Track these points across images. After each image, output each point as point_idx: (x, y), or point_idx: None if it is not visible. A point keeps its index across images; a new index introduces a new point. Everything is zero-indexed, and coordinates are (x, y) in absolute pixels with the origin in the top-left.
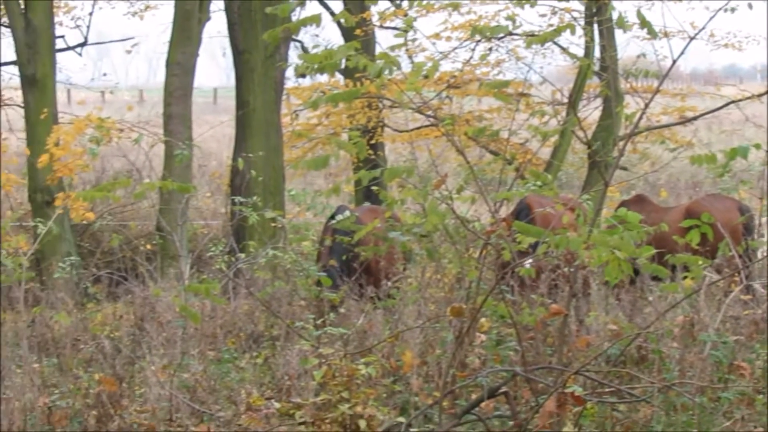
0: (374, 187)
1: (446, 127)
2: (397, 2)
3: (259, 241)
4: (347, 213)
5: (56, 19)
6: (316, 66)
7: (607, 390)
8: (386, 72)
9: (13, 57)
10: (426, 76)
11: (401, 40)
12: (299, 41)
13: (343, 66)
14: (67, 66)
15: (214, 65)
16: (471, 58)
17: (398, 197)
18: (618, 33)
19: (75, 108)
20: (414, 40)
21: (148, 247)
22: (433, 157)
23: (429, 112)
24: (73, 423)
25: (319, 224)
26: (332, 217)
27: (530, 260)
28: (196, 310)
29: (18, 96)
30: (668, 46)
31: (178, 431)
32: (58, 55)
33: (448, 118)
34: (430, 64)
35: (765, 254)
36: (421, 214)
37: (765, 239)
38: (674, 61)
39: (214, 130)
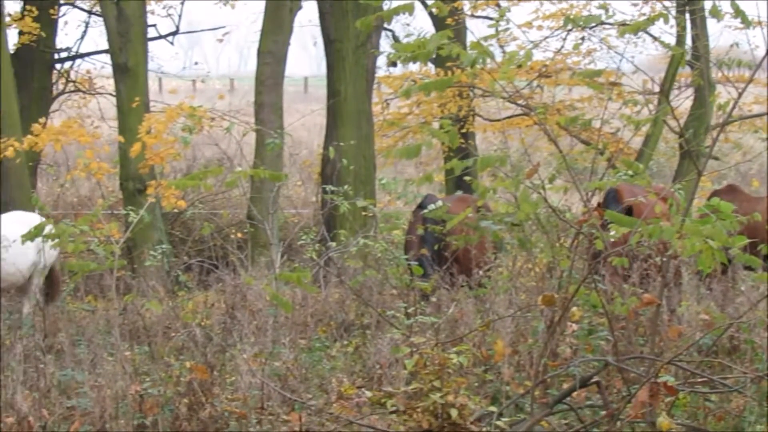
0: (467, 177)
1: (539, 116)
2: None
3: (350, 229)
4: (439, 202)
5: (148, 8)
6: (408, 55)
7: (699, 380)
8: (480, 61)
9: (105, 46)
10: (519, 66)
11: (494, 31)
12: (390, 30)
13: (434, 55)
14: (159, 55)
15: (305, 54)
16: (562, 47)
17: (491, 186)
18: (711, 22)
19: (166, 97)
20: (507, 30)
21: (239, 235)
22: (525, 147)
23: (521, 102)
24: (165, 411)
25: (410, 213)
26: (421, 206)
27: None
28: (287, 298)
29: (110, 85)
30: (762, 36)
31: (269, 419)
32: (150, 44)
33: (540, 107)
34: (523, 53)
35: None
36: (513, 204)
37: None
38: None
39: (304, 118)
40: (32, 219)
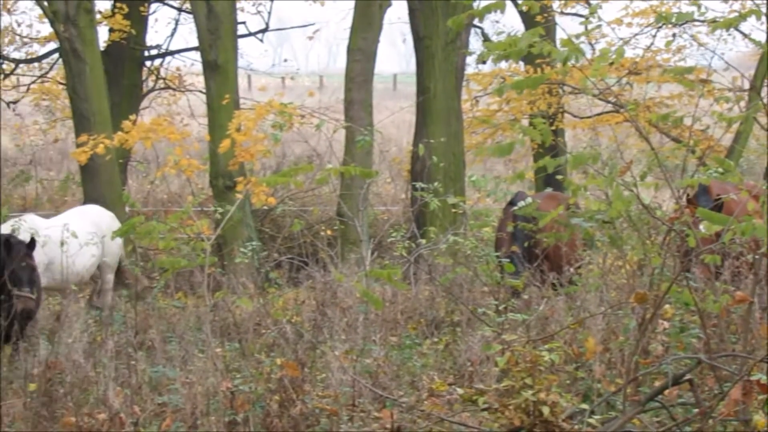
0: (558, 175)
1: (630, 113)
2: None
3: (439, 227)
4: (529, 199)
5: (238, 5)
6: (500, 53)
7: None
8: (572, 59)
9: (195, 43)
10: (611, 63)
11: (586, 28)
12: (479, 27)
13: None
14: (248, 52)
15: (394, 51)
16: (652, 44)
17: (582, 184)
18: None
19: (255, 94)
20: (599, 26)
21: (329, 232)
22: (617, 144)
23: (611, 98)
24: (256, 408)
25: (499, 210)
26: (511, 203)
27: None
28: (378, 295)
29: (199, 82)
30: None
31: (360, 416)
32: (240, 41)
33: (631, 104)
34: (615, 49)
35: None
36: (604, 201)
37: None
38: None
39: (394, 116)
40: (94, 213)
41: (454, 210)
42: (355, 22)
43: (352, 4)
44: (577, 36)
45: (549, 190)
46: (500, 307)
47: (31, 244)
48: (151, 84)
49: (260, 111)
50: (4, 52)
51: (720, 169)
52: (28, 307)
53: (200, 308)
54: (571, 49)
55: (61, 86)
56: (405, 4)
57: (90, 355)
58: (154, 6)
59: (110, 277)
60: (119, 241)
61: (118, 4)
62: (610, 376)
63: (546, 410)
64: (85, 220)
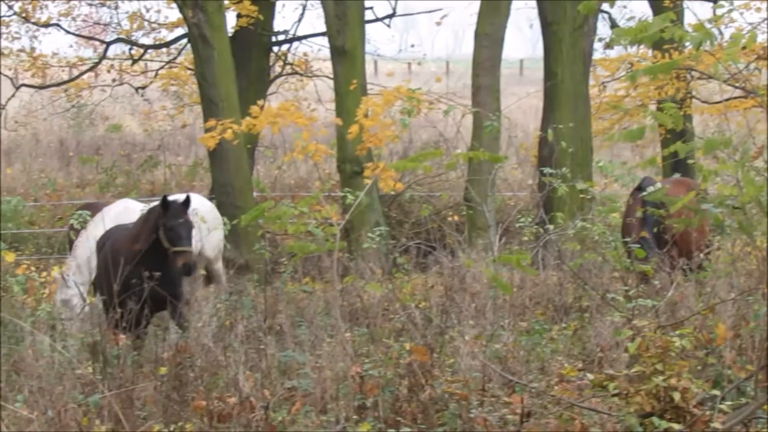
0: (689, 160)
1: (761, 98)
2: None
3: (567, 212)
4: (658, 185)
5: None
6: (631, 38)
7: None
8: (704, 44)
9: (322, 28)
10: (744, 47)
11: (718, 12)
12: (607, 12)
13: None
14: (375, 37)
15: (520, 36)
16: None
17: (713, 169)
18: None
19: (382, 79)
20: (731, 11)
21: (456, 217)
22: (748, 129)
23: (741, 83)
24: (385, 392)
25: (627, 196)
26: (639, 188)
27: None
28: (506, 280)
29: (326, 67)
30: None
31: (490, 401)
32: (367, 27)
33: (762, 89)
34: (746, 33)
35: None
36: (735, 186)
37: None
38: None
39: (521, 101)
40: (195, 202)
41: (581, 195)
42: (482, 7)
43: None
44: (709, 21)
45: (677, 175)
46: (630, 293)
47: (186, 202)
48: (278, 69)
49: (388, 97)
50: (133, 38)
51: None
52: (188, 261)
53: (328, 293)
54: (703, 34)
55: (189, 72)
56: None
57: (220, 340)
58: None
59: (220, 265)
60: (221, 230)
61: None
62: (740, 362)
63: (677, 396)
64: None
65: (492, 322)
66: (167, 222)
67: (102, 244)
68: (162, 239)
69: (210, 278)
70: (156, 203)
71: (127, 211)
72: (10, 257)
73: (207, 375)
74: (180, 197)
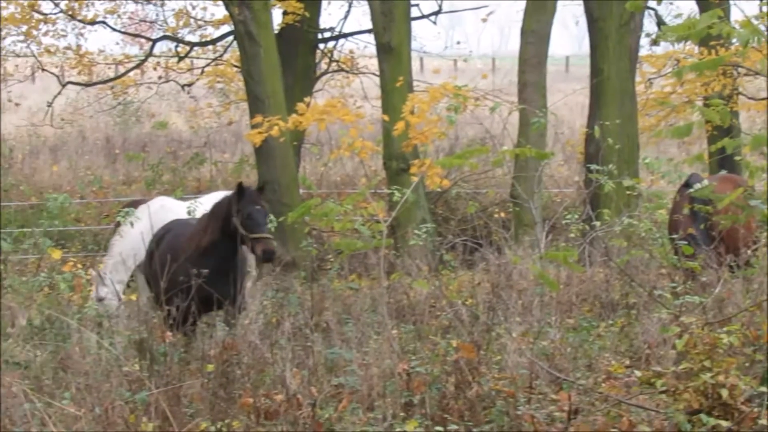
0: (736, 157)
1: None
2: None
3: (614, 209)
4: (705, 181)
5: None
6: (679, 35)
7: None
8: (753, 40)
9: (368, 25)
10: None
11: (765, 9)
12: (653, 9)
13: None
14: (421, 34)
15: (566, 33)
16: None
17: (760, 165)
18: None
19: (428, 76)
20: None
21: (503, 214)
22: None
23: None
24: (432, 389)
25: (673, 193)
26: (686, 185)
27: None
28: (553, 277)
29: (372, 64)
30: None
31: (538, 398)
32: (412, 24)
33: None
34: None
35: None
36: None
37: None
38: None
39: (567, 98)
40: None
41: (628, 192)
42: (528, 4)
43: None
44: (755, 17)
45: (724, 172)
46: (677, 290)
47: (261, 189)
48: (324, 66)
49: (434, 93)
50: (179, 35)
51: None
52: (269, 247)
53: (375, 290)
54: (751, 31)
55: (235, 69)
56: None
57: (266, 337)
58: None
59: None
60: None
61: None
62: None
63: (725, 393)
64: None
65: (539, 319)
66: (244, 208)
67: (159, 238)
68: (238, 227)
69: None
70: (223, 194)
71: (164, 209)
72: (56, 254)
73: (254, 372)
74: (251, 185)
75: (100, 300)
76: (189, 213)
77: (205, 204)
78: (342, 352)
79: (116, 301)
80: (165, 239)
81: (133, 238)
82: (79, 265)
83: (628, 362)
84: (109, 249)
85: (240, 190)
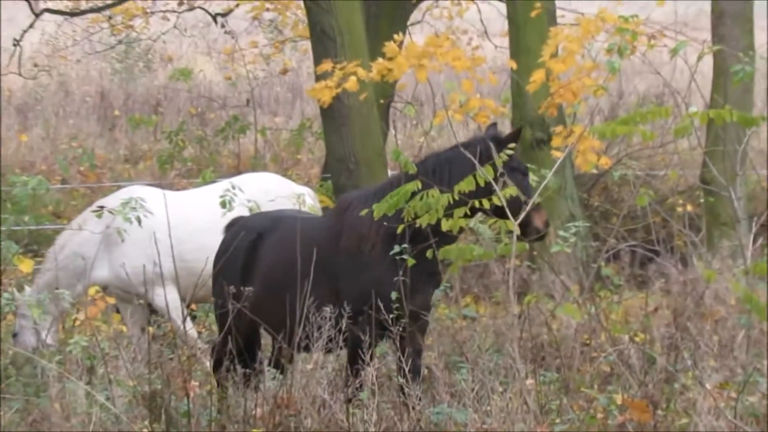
0: None
1: None
2: None
3: None
4: None
5: None
6: None
7: None
8: None
9: None
10: None
11: None
12: None
13: None
14: None
15: None
16: None
17: None
18: None
19: (577, 3)
20: None
21: (689, 208)
22: None
23: None
24: None
25: None
26: None
27: None
28: (765, 301)
29: None
30: None
31: None
32: None
33: None
34: None
35: None
36: None
37: None
38: None
39: None
40: (258, 183)
41: None
42: None
43: None
44: None
45: None
46: None
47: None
48: None
49: (588, 28)
50: None
51: None
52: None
53: (501, 320)
54: None
55: None
56: None
57: (339, 389)
58: None
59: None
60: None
61: None
62: None
63: None
64: (252, 190)
65: (744, 363)
66: (514, 162)
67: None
68: (502, 189)
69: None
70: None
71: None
72: (26, 266)
73: None
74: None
75: (14, 336)
76: (224, 205)
77: (210, 193)
78: (452, 411)
79: (37, 337)
80: (268, 242)
81: (138, 241)
82: None
83: None
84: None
85: (497, 136)
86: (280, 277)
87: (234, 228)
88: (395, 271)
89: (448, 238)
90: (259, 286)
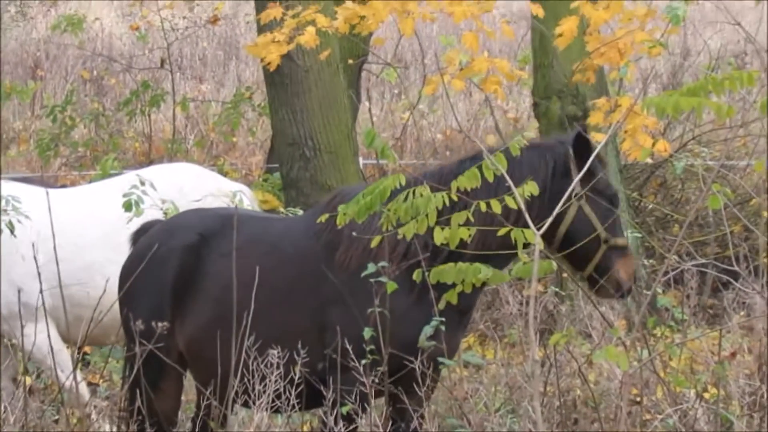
0: None
1: None
2: None
3: None
4: None
5: None
6: None
7: None
8: None
9: None
10: None
11: None
12: None
13: None
14: None
15: None
16: None
17: None
18: None
19: None
20: None
21: None
22: None
23: None
24: None
25: None
26: None
27: None
28: None
29: None
30: None
31: None
32: None
33: None
34: None
35: None
36: None
37: None
38: None
39: None
40: (172, 177)
41: None
42: None
43: None
44: None
45: None
46: None
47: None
48: None
49: None
50: None
51: None
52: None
53: (517, 367)
54: None
55: None
56: None
57: None
58: None
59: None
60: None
61: None
62: None
63: None
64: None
65: None
66: (601, 185)
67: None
68: (583, 222)
69: None
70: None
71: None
72: None
73: None
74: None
75: None
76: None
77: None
78: None
79: None
80: (216, 250)
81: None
82: None
83: None
84: None
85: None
86: (243, 302)
87: (150, 234)
88: (418, 303)
89: (493, 261)
90: (206, 315)
